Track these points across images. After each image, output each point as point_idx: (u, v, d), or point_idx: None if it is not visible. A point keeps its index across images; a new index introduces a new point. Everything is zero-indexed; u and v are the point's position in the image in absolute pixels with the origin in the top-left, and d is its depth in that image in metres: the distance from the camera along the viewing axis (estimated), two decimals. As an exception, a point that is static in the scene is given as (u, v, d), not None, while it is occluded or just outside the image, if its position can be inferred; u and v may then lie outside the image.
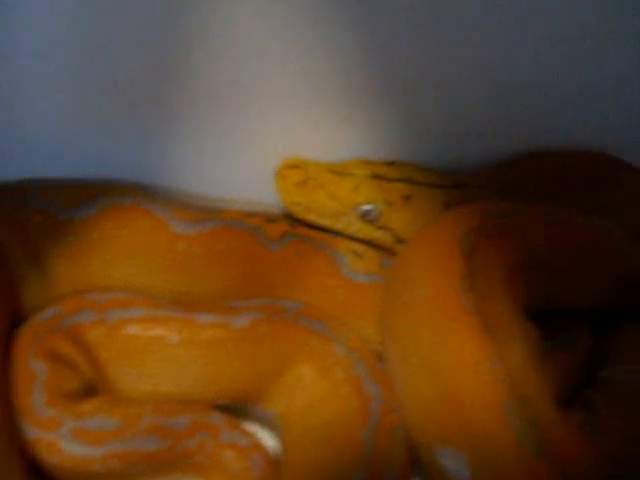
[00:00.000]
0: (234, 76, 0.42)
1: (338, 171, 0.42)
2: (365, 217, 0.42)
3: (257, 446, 0.36)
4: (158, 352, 0.37)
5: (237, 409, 0.39)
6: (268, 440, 0.39)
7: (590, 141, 0.50)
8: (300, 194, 0.42)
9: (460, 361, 0.33)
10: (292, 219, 0.43)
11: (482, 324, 0.33)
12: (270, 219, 0.42)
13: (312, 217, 0.42)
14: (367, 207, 0.42)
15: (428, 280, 0.34)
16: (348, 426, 0.35)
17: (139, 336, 0.37)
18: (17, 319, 0.39)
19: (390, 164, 0.44)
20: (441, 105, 0.46)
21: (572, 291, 0.41)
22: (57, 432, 0.34)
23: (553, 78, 0.46)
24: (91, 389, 0.37)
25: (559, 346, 0.40)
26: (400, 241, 0.42)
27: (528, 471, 0.31)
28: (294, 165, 0.42)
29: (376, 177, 0.43)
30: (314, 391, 0.37)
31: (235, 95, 0.43)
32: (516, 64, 0.45)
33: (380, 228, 0.42)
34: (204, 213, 0.41)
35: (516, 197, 0.46)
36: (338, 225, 0.42)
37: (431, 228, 0.37)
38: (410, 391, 0.34)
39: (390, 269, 0.40)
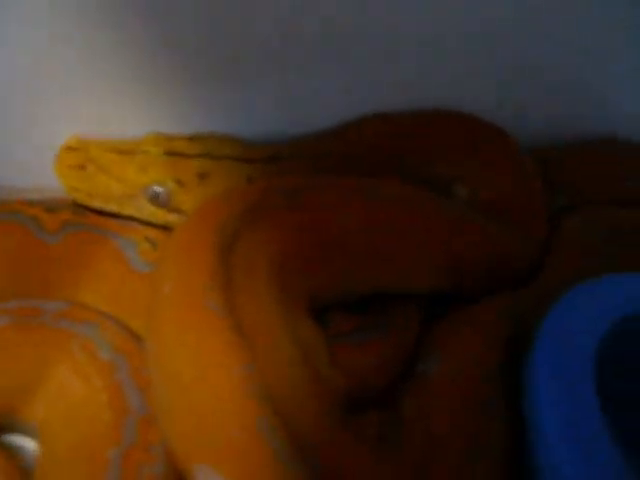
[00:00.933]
0: (9, 55, 0.37)
1: (127, 149, 0.38)
2: (154, 200, 0.37)
3: (5, 469, 0.31)
4: None
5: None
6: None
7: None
8: (79, 178, 0.37)
9: (206, 371, 0.27)
10: (79, 206, 0.38)
11: (234, 328, 0.27)
12: (50, 208, 0.37)
13: (97, 203, 0.38)
14: (155, 188, 0.37)
15: (175, 275, 0.29)
16: (98, 442, 0.31)
17: None
18: None
19: (192, 138, 0.39)
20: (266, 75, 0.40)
21: (393, 274, 0.36)
22: None
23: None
24: None
25: (372, 334, 0.35)
26: (199, 225, 0.37)
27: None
28: (73, 147, 0.37)
29: (172, 154, 0.38)
30: (73, 400, 0.33)
31: (12, 77, 0.38)
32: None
33: (173, 211, 0.37)
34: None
35: (346, 168, 0.40)
36: (128, 210, 0.38)
37: (195, 213, 0.32)
38: (162, 403, 0.29)
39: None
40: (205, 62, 0.39)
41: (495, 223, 0.39)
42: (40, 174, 0.39)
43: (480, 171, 0.43)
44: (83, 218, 0.37)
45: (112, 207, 0.37)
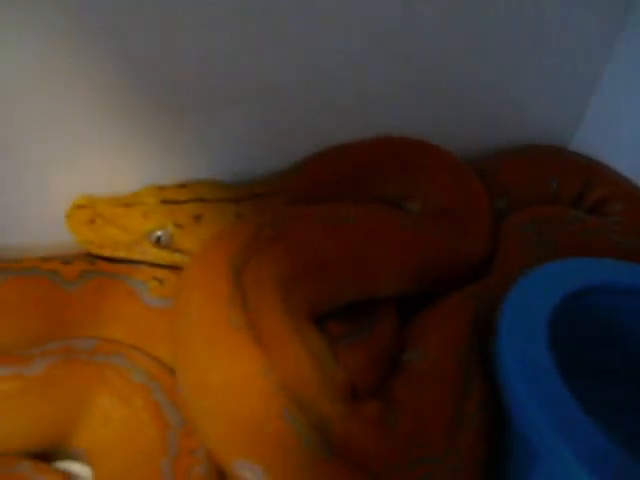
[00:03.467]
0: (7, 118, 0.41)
1: (128, 202, 0.43)
2: (158, 243, 0.43)
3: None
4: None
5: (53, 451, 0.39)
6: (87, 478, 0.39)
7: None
8: (90, 232, 0.42)
9: (234, 378, 0.33)
10: (93, 257, 0.43)
11: (252, 339, 0.33)
12: (66, 260, 0.42)
13: (107, 252, 0.43)
14: (157, 233, 0.43)
15: (199, 303, 0.35)
16: (149, 455, 0.36)
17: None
18: None
19: (182, 186, 0.45)
20: (235, 118, 0.46)
21: (375, 282, 0.42)
22: None
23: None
24: None
25: (358, 337, 0.41)
26: (199, 260, 0.43)
27: (322, 472, 0.32)
28: (82, 204, 0.43)
29: (166, 202, 0.43)
30: (116, 422, 0.37)
31: (12, 139, 0.42)
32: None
33: (176, 251, 0.43)
34: (-4, 267, 0.41)
35: (314, 197, 0.47)
36: (135, 255, 0.43)
37: (203, 248, 0.38)
38: (198, 412, 0.35)
39: (178, 292, 0.40)
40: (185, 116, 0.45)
41: (446, 230, 0.46)
42: (56, 232, 0.43)
43: (427, 185, 0.50)
44: (96, 266, 0.43)
45: (121, 254, 0.43)
